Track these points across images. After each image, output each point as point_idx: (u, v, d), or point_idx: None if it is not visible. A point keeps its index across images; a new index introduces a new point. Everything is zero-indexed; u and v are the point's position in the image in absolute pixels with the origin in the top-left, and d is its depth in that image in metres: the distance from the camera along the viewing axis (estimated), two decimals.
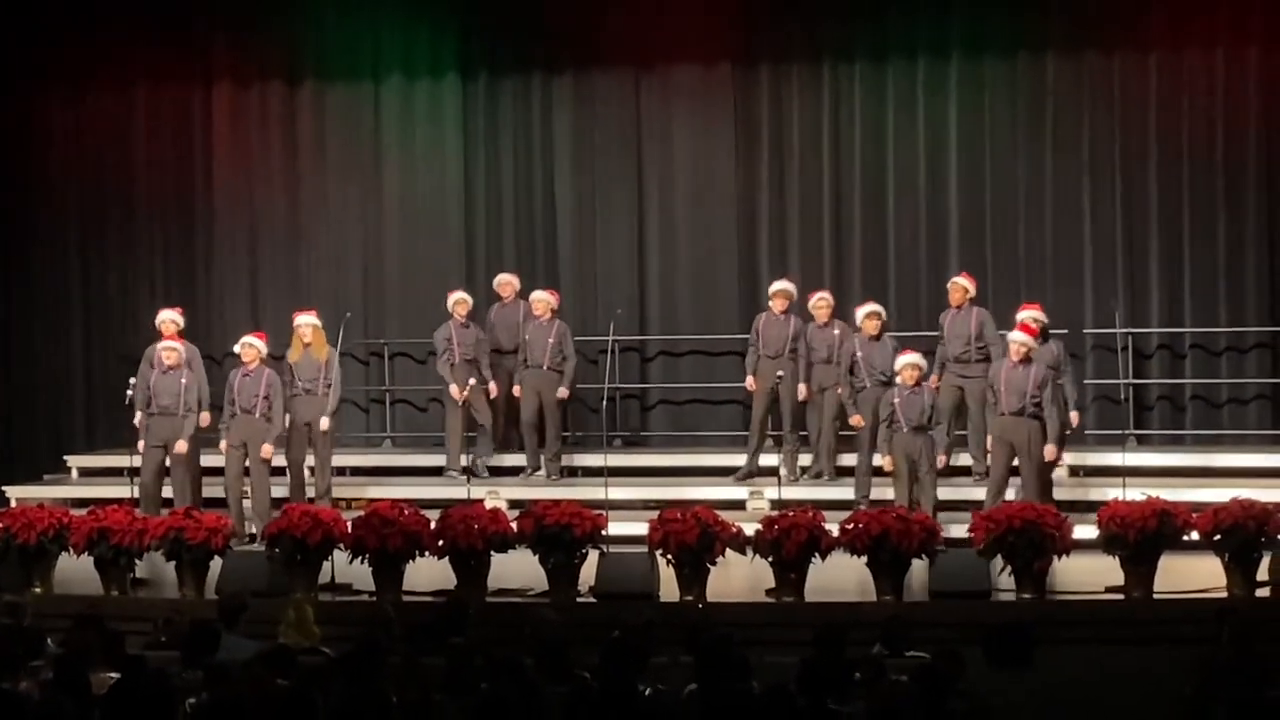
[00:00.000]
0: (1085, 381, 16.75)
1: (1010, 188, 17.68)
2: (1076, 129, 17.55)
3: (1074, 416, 15.20)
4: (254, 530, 15.24)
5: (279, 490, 15.71)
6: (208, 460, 16.00)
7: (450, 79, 18.60)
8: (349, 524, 13.49)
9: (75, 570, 13.98)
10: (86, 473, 17.79)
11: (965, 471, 15.86)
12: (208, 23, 18.92)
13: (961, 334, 15.85)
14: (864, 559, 12.87)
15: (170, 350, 15.68)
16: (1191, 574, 12.91)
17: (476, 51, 18.60)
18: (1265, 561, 12.67)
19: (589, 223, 18.41)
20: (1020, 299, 17.17)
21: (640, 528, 13.50)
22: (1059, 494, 14.89)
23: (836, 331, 16.19)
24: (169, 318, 16.27)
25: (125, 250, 19.15)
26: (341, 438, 17.13)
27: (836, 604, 12.61)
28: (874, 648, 10.13)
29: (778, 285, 16.57)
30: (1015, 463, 14.63)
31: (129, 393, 15.63)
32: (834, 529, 12.97)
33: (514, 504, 15.12)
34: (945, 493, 14.88)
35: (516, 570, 13.51)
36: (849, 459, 16.29)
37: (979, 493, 15.00)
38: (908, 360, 14.74)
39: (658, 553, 13.10)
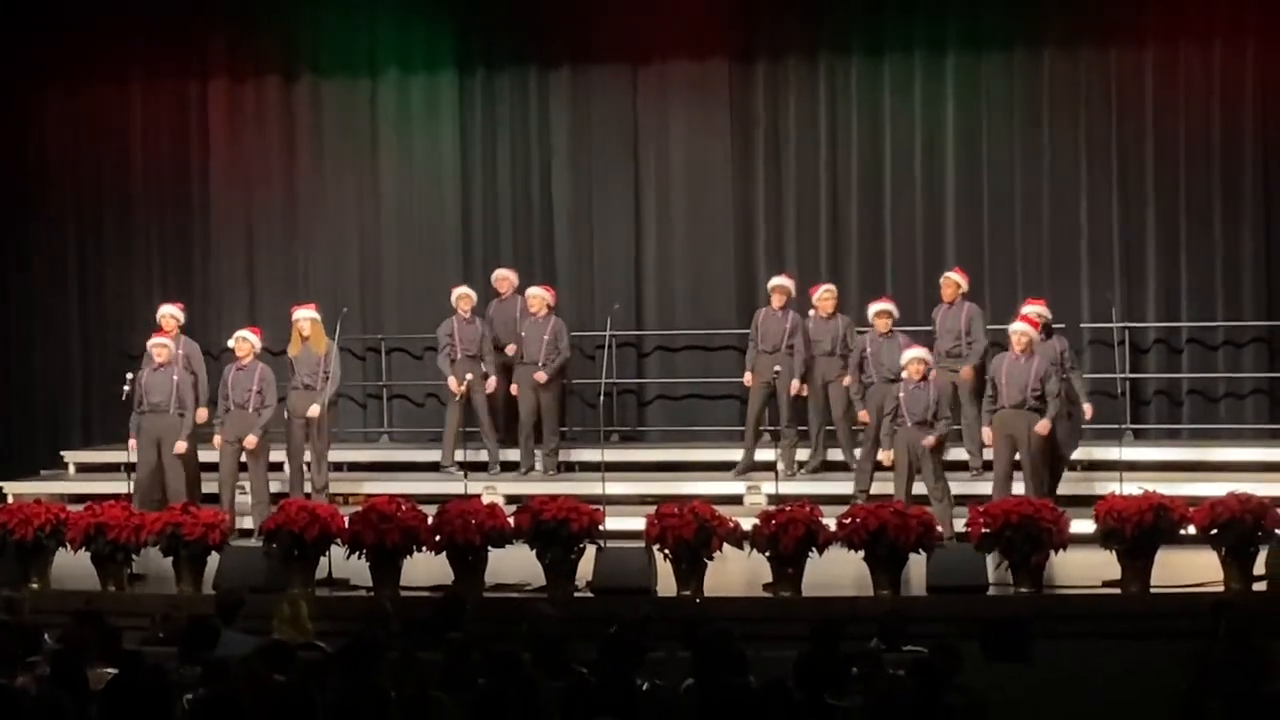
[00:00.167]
0: (1083, 376, 16.73)
1: (1007, 182, 17.69)
2: (1073, 124, 17.55)
3: (1088, 409, 15.16)
4: (249, 525, 15.25)
5: (274, 485, 15.70)
6: (203, 456, 15.98)
7: (447, 74, 18.60)
8: (346, 519, 13.49)
9: (72, 566, 13.98)
10: (84, 468, 17.80)
11: (963, 466, 15.85)
12: (205, 18, 18.91)
13: (952, 329, 15.87)
14: (861, 553, 12.87)
15: (160, 347, 15.64)
16: (1188, 568, 12.91)
17: (473, 47, 18.60)
18: (1262, 555, 12.67)
19: (586, 218, 18.41)
20: (1017, 293, 17.22)
21: (638, 523, 13.50)
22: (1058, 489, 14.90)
23: (840, 324, 16.18)
24: (169, 313, 16.27)
25: (122, 245, 19.16)
26: (339, 433, 17.12)
27: (834, 598, 12.61)
28: (871, 642, 10.14)
29: (776, 280, 16.57)
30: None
31: (125, 388, 15.61)
32: (831, 524, 12.97)
33: (511, 499, 15.14)
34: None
35: (514, 565, 13.52)
36: (841, 453, 16.35)
37: (977, 487, 14.98)
38: (913, 355, 14.71)
39: (655, 547, 13.09)
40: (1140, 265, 17.50)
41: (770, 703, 7.83)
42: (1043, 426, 14.48)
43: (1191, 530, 12.87)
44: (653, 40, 18.18)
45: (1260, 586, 12.58)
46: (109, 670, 8.82)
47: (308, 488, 15.76)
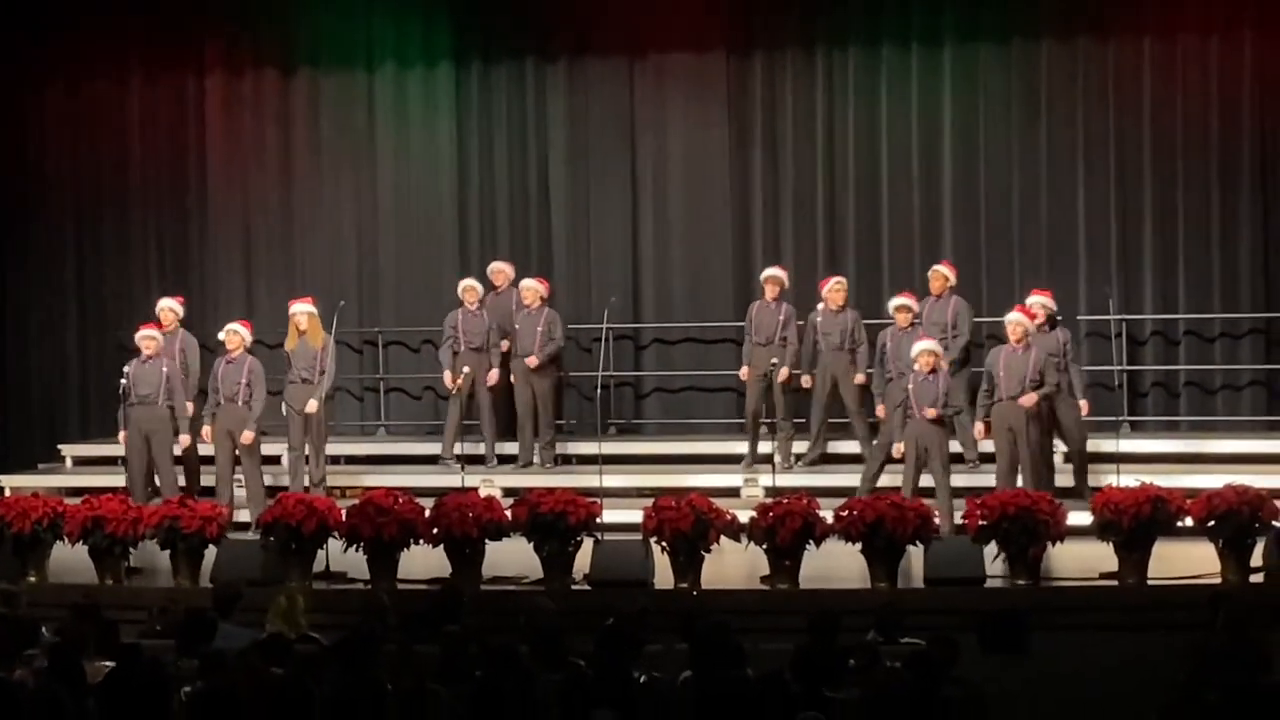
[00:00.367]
0: (1081, 369, 16.73)
1: (1004, 174, 17.67)
2: (1070, 115, 17.54)
3: (1084, 405, 15.13)
4: (245, 518, 15.25)
5: (268, 479, 15.71)
6: (200, 450, 15.99)
7: (444, 67, 18.57)
8: (343, 512, 13.48)
9: (70, 559, 13.98)
10: (81, 462, 17.78)
11: (958, 459, 15.82)
12: (202, 13, 18.88)
13: (939, 322, 15.85)
14: (859, 546, 12.88)
15: (148, 339, 15.62)
16: (1185, 560, 12.92)
17: (470, 40, 18.57)
18: (1259, 547, 12.68)
19: (583, 210, 18.40)
20: (1014, 285, 17.23)
21: (635, 515, 13.51)
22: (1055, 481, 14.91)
23: (849, 318, 16.17)
24: (167, 306, 16.27)
25: (120, 239, 19.14)
26: (336, 426, 17.11)
27: (831, 591, 12.62)
28: (868, 634, 10.14)
29: (769, 272, 16.57)
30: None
31: (123, 381, 15.59)
32: (829, 516, 12.97)
33: (508, 492, 15.13)
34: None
35: (511, 558, 13.52)
36: (844, 445, 16.33)
37: (975, 480, 14.97)
38: (922, 347, 14.64)
39: (652, 540, 13.09)
40: (1137, 258, 17.49)
41: (768, 695, 7.83)
42: (1027, 399, 14.45)
43: (1189, 522, 12.87)
44: (650, 33, 18.17)
45: (1257, 578, 12.59)
46: (107, 663, 8.83)
47: (305, 481, 15.75)
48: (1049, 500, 12.99)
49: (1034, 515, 12.70)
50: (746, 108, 18.11)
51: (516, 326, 16.63)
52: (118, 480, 15.54)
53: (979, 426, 14.80)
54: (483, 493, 14.51)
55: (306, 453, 15.80)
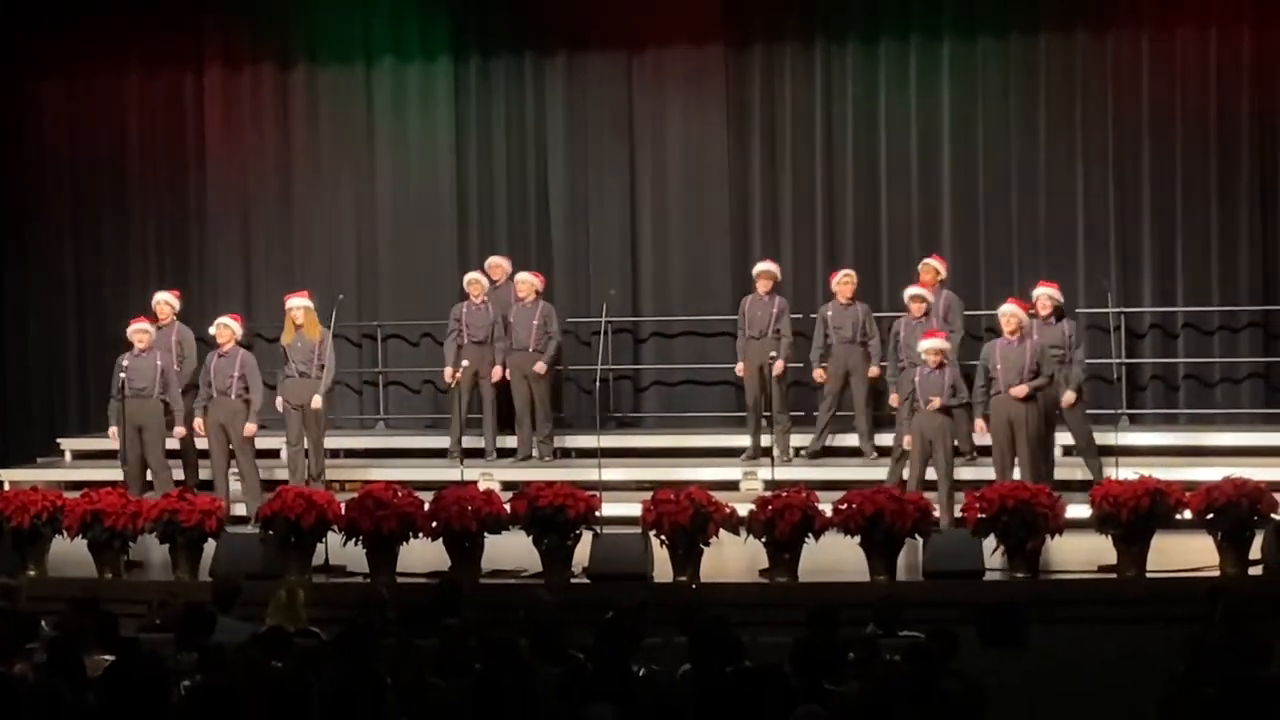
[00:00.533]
0: (1084, 363, 16.72)
1: (1002, 167, 17.68)
2: (1069, 108, 17.55)
3: (1069, 397, 15.12)
4: (241, 511, 15.26)
5: (262, 473, 15.73)
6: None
7: (442, 62, 18.58)
8: (343, 506, 13.49)
9: (69, 553, 13.98)
10: (80, 455, 17.79)
11: (955, 451, 15.83)
12: (200, 6, 18.90)
13: (931, 314, 15.82)
14: (858, 539, 12.88)
15: (141, 333, 15.61)
16: (1184, 553, 12.93)
17: (468, 35, 18.58)
18: (1258, 540, 12.69)
19: (581, 204, 18.40)
20: (1013, 278, 17.26)
21: (634, 509, 13.51)
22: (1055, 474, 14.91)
23: (860, 311, 16.16)
24: (163, 299, 16.27)
25: (119, 233, 19.14)
26: (335, 420, 17.13)
27: (830, 584, 12.62)
28: (867, 627, 10.14)
29: (761, 266, 16.56)
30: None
31: (120, 375, 15.55)
32: (828, 509, 12.98)
33: (507, 485, 15.14)
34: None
35: (510, 552, 13.53)
36: (843, 439, 16.35)
37: (972, 472, 14.98)
38: (930, 345, 14.60)
39: (651, 533, 13.10)
40: (1136, 250, 17.50)
41: (767, 688, 7.84)
42: (1018, 390, 14.46)
43: (1187, 515, 12.88)
44: (648, 27, 18.17)
45: (1256, 571, 12.59)
46: (106, 657, 8.83)
47: (305, 475, 15.75)
48: (1048, 493, 13.00)
49: (1033, 508, 12.71)
50: (745, 102, 18.11)
51: (511, 320, 16.61)
52: (117, 474, 15.54)
53: (979, 422, 14.76)
54: (482, 486, 14.52)
55: (305, 446, 15.81)
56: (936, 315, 15.81)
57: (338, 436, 17.29)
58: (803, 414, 17.34)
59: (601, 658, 8.58)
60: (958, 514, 13.59)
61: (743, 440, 16.50)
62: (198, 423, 15.59)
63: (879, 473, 15.16)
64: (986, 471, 14.79)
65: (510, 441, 16.73)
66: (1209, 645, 8.52)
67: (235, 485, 15.60)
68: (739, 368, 16.39)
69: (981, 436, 14.95)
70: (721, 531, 13.06)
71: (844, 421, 16.40)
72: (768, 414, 16.29)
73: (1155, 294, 17.44)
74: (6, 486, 16.05)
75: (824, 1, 17.98)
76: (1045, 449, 14.88)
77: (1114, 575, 12.78)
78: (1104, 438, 15.63)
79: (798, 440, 16.48)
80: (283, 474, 15.90)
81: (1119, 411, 16.67)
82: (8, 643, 9.26)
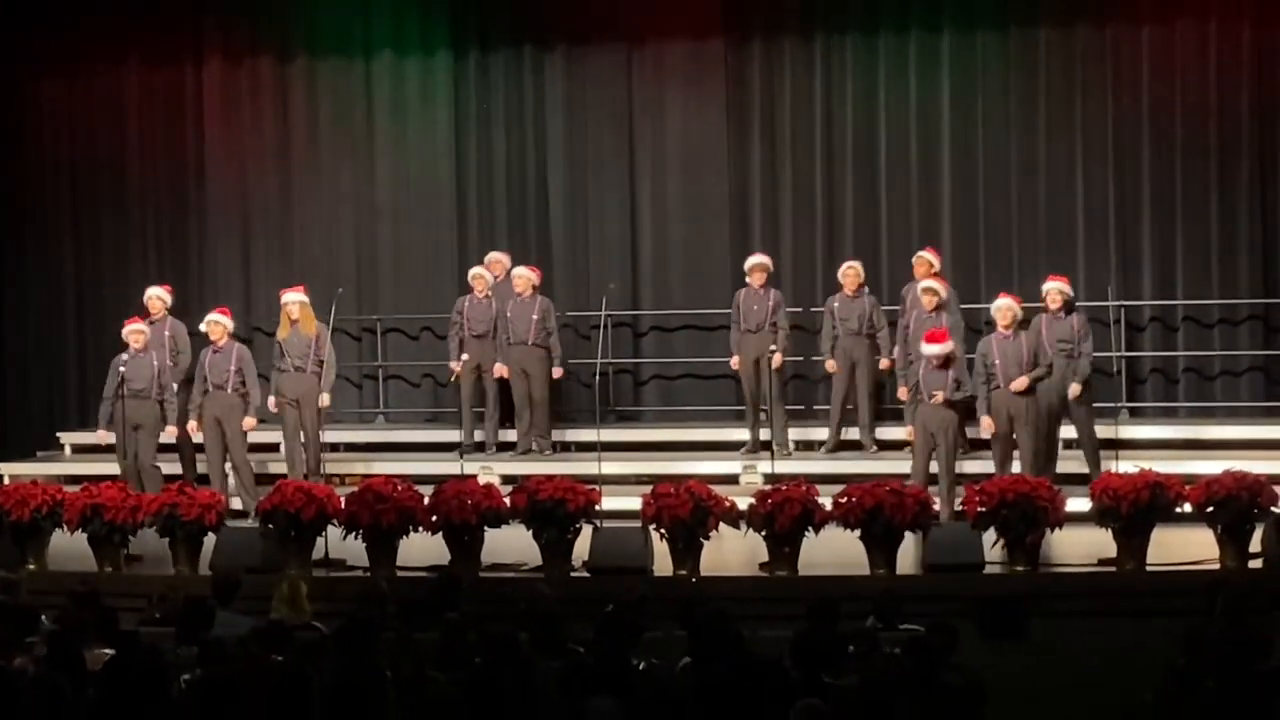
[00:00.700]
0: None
1: (1002, 161, 17.67)
2: (1069, 102, 17.54)
3: (1075, 389, 15.10)
4: (236, 505, 15.26)
5: (256, 468, 15.74)
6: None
7: (441, 55, 18.57)
8: (342, 500, 13.49)
9: (69, 547, 13.99)
10: (80, 449, 17.78)
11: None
12: (199, 2, 18.89)
13: (943, 308, 15.80)
14: (857, 533, 12.88)
15: (137, 333, 15.60)
16: (1184, 546, 12.94)
17: (467, 28, 18.57)
18: (1258, 533, 12.69)
19: (581, 198, 18.40)
20: (1012, 271, 17.27)
21: (634, 502, 13.51)
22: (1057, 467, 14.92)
23: (866, 303, 16.15)
24: (155, 294, 16.27)
25: (118, 227, 19.13)
26: (335, 414, 17.12)
27: (830, 577, 12.63)
28: (867, 621, 10.14)
29: (755, 259, 16.54)
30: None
31: (121, 368, 15.52)
32: (828, 503, 12.98)
33: (507, 479, 15.14)
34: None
35: (510, 545, 13.53)
36: (849, 432, 16.35)
37: (981, 467, 14.96)
38: (932, 351, 14.59)
39: (651, 527, 13.11)
40: (1136, 243, 17.49)
41: (767, 682, 7.84)
42: (1017, 383, 14.47)
43: (1187, 508, 12.88)
44: (648, 20, 18.16)
45: (1256, 564, 12.60)
46: (106, 651, 8.83)
47: (301, 469, 15.75)
48: (1048, 487, 13.00)
49: (1033, 502, 12.71)
50: (744, 95, 18.10)
51: (508, 314, 16.59)
52: (116, 468, 15.53)
53: (985, 420, 14.71)
54: (482, 480, 14.52)
55: (303, 440, 15.82)
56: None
57: (337, 430, 17.30)
58: (802, 407, 17.38)
59: (601, 651, 8.58)
60: (958, 507, 13.59)
61: (742, 434, 16.50)
62: (193, 425, 15.57)
63: (879, 466, 15.16)
64: (989, 465, 14.79)
65: (510, 436, 16.73)
66: (1209, 638, 8.52)
67: (232, 480, 15.60)
68: (734, 361, 16.38)
69: (986, 431, 14.84)
70: (721, 525, 13.06)
71: (847, 414, 16.37)
72: (765, 408, 16.29)
73: (1155, 287, 17.44)
74: (6, 481, 16.06)
75: None
76: (1049, 442, 14.88)
77: (1114, 569, 12.79)
78: (1104, 431, 15.62)
79: (796, 434, 16.47)
80: (281, 468, 15.89)
81: (1119, 405, 16.66)
82: (8, 637, 9.27)
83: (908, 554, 13.00)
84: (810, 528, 12.92)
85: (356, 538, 13.37)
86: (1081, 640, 10.20)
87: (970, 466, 14.96)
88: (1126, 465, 13.81)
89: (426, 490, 13.63)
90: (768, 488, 13.47)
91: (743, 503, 13.17)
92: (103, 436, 15.62)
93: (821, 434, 16.51)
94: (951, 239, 17.46)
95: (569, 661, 8.36)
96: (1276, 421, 16.64)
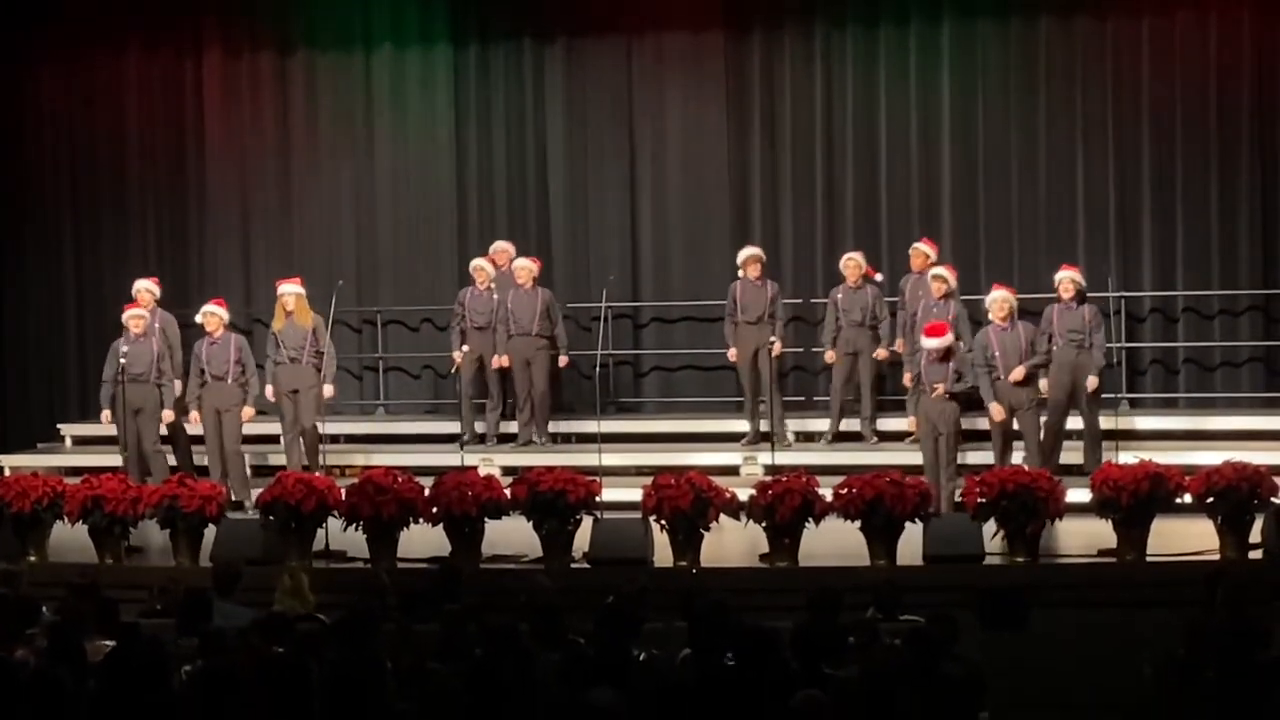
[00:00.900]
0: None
1: (1003, 152, 17.67)
2: (1069, 93, 17.53)
3: (1093, 382, 15.08)
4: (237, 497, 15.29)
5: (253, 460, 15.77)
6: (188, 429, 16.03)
7: (441, 48, 18.56)
8: (343, 491, 13.50)
9: (70, 539, 13.99)
10: (80, 441, 17.82)
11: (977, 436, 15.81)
12: None
13: (923, 299, 15.78)
14: (858, 523, 12.88)
15: (137, 318, 15.65)
16: (1184, 537, 12.93)
17: (467, 21, 18.57)
18: (1258, 524, 12.69)
19: (581, 190, 18.40)
20: (1012, 263, 17.27)
21: (634, 494, 13.52)
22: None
23: (869, 294, 16.14)
24: (144, 287, 16.24)
25: (118, 219, 19.14)
26: (335, 405, 17.12)
27: (830, 568, 12.61)
28: (868, 612, 10.15)
29: (750, 251, 16.50)
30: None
31: (121, 361, 15.53)
32: (828, 494, 12.98)
33: (508, 471, 15.15)
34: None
35: (511, 537, 13.53)
36: (845, 424, 16.35)
37: (983, 458, 14.97)
38: (932, 345, 14.58)
39: (652, 518, 13.10)
40: (1136, 234, 17.49)
41: (766, 673, 7.84)
42: (1016, 374, 14.47)
43: (1187, 499, 12.88)
44: (647, 12, 18.16)
45: (1256, 555, 12.60)
46: (106, 643, 8.84)
47: (300, 460, 15.76)
48: (1048, 478, 13.01)
49: (1033, 493, 12.71)
50: (744, 86, 18.09)
51: (509, 306, 16.58)
52: (117, 460, 15.56)
53: (994, 407, 14.68)
54: (482, 471, 14.52)
55: (300, 430, 15.83)
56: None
57: (338, 422, 17.31)
58: (803, 399, 17.38)
59: (602, 643, 8.59)
60: (958, 498, 13.59)
61: (742, 425, 16.51)
62: (194, 415, 15.58)
63: (880, 457, 15.15)
64: (991, 456, 14.80)
65: (511, 427, 16.73)
66: (1209, 629, 8.53)
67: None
68: (732, 353, 16.38)
69: (997, 417, 14.75)
70: (722, 516, 13.06)
71: (849, 405, 16.37)
72: (764, 399, 16.29)
73: (1155, 278, 17.44)
74: (7, 472, 16.05)
75: None
76: (1057, 433, 14.87)
77: (1114, 559, 12.78)
78: (1104, 422, 15.62)
79: (797, 425, 16.47)
80: (280, 460, 15.91)
81: (1119, 396, 16.66)
82: (9, 628, 9.28)
83: (908, 545, 13.00)
84: (810, 519, 12.91)
85: (357, 529, 13.36)
86: (1081, 631, 10.18)
87: (972, 457, 14.95)
88: (1127, 456, 13.80)
89: (427, 482, 13.64)
90: (768, 479, 13.46)
91: (743, 494, 13.18)
92: (106, 418, 15.62)
93: (822, 425, 16.53)
94: (951, 230, 17.45)
95: (569, 653, 8.36)
96: (1277, 412, 16.64)
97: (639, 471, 15.49)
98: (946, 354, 14.55)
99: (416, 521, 13.37)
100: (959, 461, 14.57)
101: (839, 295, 16.26)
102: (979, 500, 12.79)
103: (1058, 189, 17.54)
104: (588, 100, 18.35)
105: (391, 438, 17.53)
